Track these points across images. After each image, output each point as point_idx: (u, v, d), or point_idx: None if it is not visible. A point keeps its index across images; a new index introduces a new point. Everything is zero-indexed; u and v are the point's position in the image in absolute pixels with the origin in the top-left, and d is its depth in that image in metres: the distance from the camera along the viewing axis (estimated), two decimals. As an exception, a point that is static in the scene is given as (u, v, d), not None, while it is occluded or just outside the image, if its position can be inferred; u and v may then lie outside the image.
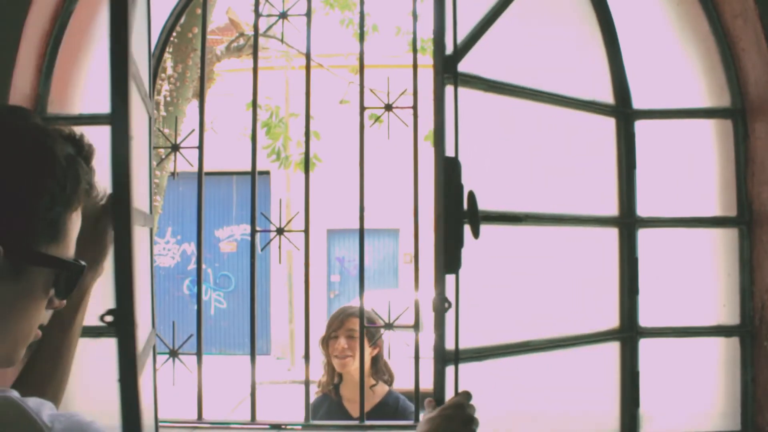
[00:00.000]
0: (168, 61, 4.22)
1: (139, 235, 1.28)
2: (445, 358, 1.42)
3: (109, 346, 1.14)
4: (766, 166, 1.82)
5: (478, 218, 1.38)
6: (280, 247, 2.20)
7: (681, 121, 1.93)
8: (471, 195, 1.39)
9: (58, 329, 1.05)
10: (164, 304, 11.37)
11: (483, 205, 1.46)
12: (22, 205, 0.70)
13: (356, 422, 2.13)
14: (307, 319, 2.18)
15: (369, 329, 2.26)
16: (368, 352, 2.40)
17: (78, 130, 0.78)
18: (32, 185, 0.70)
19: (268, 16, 2.23)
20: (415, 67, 2.13)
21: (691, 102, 1.94)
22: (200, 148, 2.11)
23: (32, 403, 0.65)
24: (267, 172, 10.58)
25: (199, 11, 3.95)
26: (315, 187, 2.17)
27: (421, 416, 1.30)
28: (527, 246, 1.77)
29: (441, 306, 1.39)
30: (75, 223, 0.77)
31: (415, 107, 2.14)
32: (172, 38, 2.82)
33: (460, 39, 1.50)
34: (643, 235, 1.88)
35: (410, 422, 2.17)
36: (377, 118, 2.27)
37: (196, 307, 2.17)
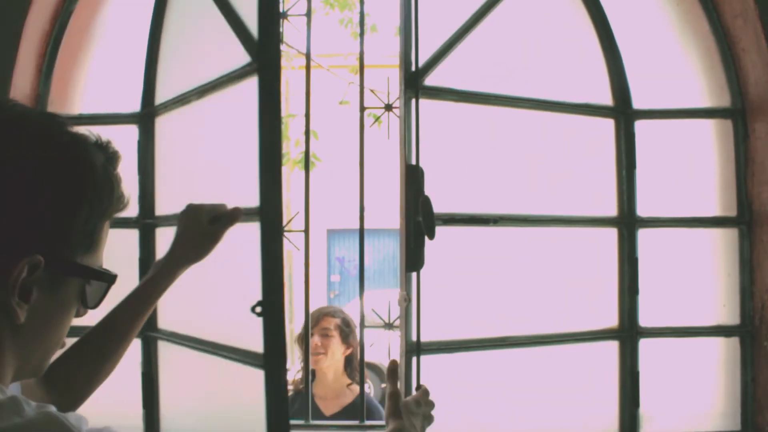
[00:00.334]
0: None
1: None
2: (409, 349, 1.57)
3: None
4: (766, 166, 1.82)
5: (432, 221, 1.49)
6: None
7: (681, 121, 1.93)
8: (425, 200, 1.50)
9: (127, 316, 1.18)
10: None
11: (459, 208, 1.63)
12: (63, 216, 0.70)
13: (356, 422, 2.14)
14: (307, 319, 2.19)
15: (342, 329, 2.30)
16: (341, 351, 2.45)
17: (105, 135, 0.78)
18: (73, 196, 0.70)
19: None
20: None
21: (691, 102, 1.94)
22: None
23: (73, 419, 0.65)
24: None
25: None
26: (315, 187, 2.17)
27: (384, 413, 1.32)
28: (513, 247, 1.79)
29: (403, 302, 1.56)
30: (107, 232, 0.77)
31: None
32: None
33: (430, 54, 1.67)
34: (643, 235, 1.88)
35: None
36: (377, 118, 2.27)
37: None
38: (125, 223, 1.86)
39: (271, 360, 1.36)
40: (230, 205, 1.33)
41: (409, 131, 1.56)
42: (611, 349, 1.87)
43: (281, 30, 2.24)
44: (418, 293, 1.54)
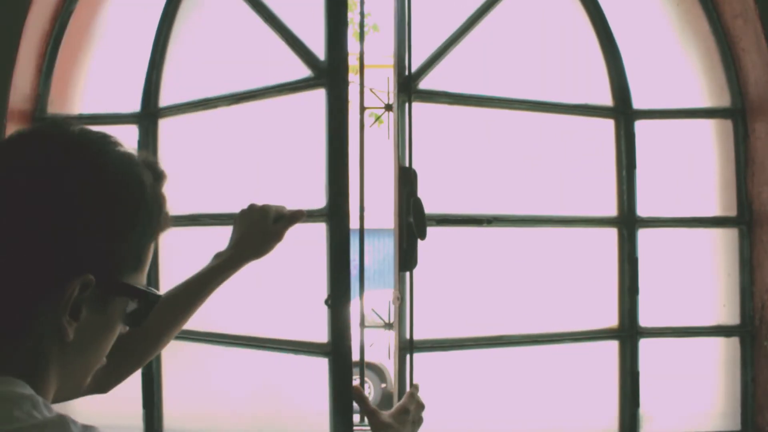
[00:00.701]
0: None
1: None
2: (402, 347, 1.62)
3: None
4: (766, 166, 1.82)
5: (423, 222, 1.54)
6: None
7: (681, 121, 1.93)
8: (416, 201, 1.54)
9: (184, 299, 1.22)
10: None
11: (456, 209, 1.68)
12: (115, 236, 0.70)
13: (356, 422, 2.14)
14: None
15: None
16: None
17: (152, 155, 0.78)
18: (126, 217, 0.71)
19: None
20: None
21: (691, 102, 1.94)
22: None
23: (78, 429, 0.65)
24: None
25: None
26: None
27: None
28: (513, 247, 1.80)
29: (396, 301, 1.61)
30: (152, 252, 0.77)
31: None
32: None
33: (424, 58, 1.72)
34: (643, 235, 1.88)
35: None
36: (377, 118, 2.27)
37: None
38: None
39: (338, 347, 1.49)
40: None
41: (402, 134, 1.61)
42: (611, 349, 1.87)
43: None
44: (411, 292, 1.58)
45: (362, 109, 2.16)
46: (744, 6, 1.82)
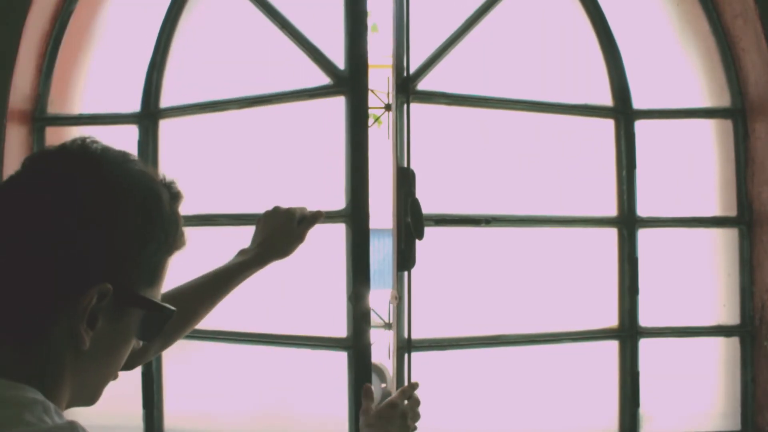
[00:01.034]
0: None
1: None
2: (400, 346, 1.65)
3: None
4: (766, 166, 1.82)
5: (421, 222, 1.57)
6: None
7: (681, 121, 1.93)
8: (413, 201, 1.57)
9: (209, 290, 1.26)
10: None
11: (455, 209, 1.70)
12: (133, 248, 0.73)
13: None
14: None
15: None
16: None
17: (168, 175, 0.81)
18: (144, 230, 0.74)
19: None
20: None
21: (691, 102, 1.94)
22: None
23: None
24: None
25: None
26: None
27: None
28: (514, 247, 1.81)
29: (394, 300, 1.65)
30: (167, 268, 0.80)
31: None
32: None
33: (424, 58, 1.74)
34: (643, 235, 1.88)
35: None
36: (377, 118, 2.27)
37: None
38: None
39: (358, 341, 1.59)
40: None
41: (401, 135, 1.63)
42: (611, 348, 1.87)
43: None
44: (409, 292, 1.61)
45: (362, 109, 2.16)
46: (744, 6, 1.82)
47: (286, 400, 1.77)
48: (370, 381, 1.57)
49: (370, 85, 1.66)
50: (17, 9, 1.81)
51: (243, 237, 1.45)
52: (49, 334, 0.70)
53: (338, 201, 1.64)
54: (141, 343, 0.80)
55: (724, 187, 1.91)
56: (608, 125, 1.90)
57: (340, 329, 1.65)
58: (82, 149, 0.73)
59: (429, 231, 1.67)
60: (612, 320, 1.87)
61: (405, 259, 1.59)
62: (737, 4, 1.85)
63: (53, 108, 1.94)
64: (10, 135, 1.81)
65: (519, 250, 1.82)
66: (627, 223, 1.88)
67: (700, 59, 1.96)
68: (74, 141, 0.74)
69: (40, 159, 0.76)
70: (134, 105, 1.91)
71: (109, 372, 0.78)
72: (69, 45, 1.95)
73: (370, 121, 2.25)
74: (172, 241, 0.78)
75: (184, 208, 0.82)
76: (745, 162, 1.89)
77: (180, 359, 1.84)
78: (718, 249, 1.91)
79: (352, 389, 1.60)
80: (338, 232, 1.64)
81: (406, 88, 1.67)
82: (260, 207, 1.58)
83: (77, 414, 0.75)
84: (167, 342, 1.23)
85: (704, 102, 1.95)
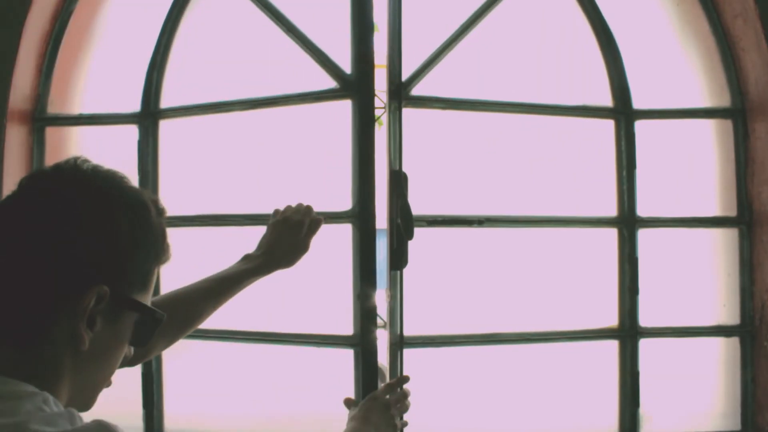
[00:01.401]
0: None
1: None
2: (393, 341, 1.69)
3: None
4: (766, 166, 1.82)
5: (410, 223, 1.61)
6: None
7: (681, 121, 1.93)
8: (404, 203, 1.61)
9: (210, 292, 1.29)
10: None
11: (452, 211, 1.73)
12: (127, 254, 0.78)
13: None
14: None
15: None
16: None
17: (153, 192, 0.86)
18: (136, 237, 0.79)
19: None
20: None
21: (691, 102, 1.94)
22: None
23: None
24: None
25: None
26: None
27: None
28: (514, 248, 1.81)
29: (388, 298, 1.69)
30: (155, 277, 0.86)
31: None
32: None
33: (419, 63, 1.76)
34: (643, 235, 1.88)
35: None
36: (377, 119, 2.27)
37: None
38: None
39: (365, 337, 1.64)
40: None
41: (395, 139, 1.66)
42: (611, 348, 1.87)
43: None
44: (401, 290, 1.64)
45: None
46: (744, 6, 1.82)
47: (288, 400, 1.77)
48: (376, 378, 1.60)
49: (372, 86, 1.68)
50: (17, 9, 1.81)
51: (248, 237, 1.47)
52: (49, 334, 0.73)
53: (340, 202, 1.66)
54: (132, 350, 0.84)
55: (724, 187, 1.91)
56: (608, 126, 1.90)
57: (344, 328, 1.67)
58: (75, 167, 0.78)
59: (427, 232, 1.69)
60: (612, 320, 1.87)
61: (397, 259, 1.63)
62: (737, 4, 1.85)
63: (53, 108, 1.94)
64: (10, 135, 1.81)
65: (520, 250, 1.82)
66: (627, 223, 1.88)
67: (700, 59, 1.96)
68: (67, 161, 0.79)
69: (38, 177, 0.81)
70: (134, 105, 1.91)
71: (104, 376, 0.81)
72: (69, 45, 1.95)
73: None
74: (160, 251, 0.83)
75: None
76: (745, 162, 1.89)
77: (180, 359, 1.84)
78: (718, 249, 1.91)
79: (360, 386, 1.63)
80: (343, 232, 1.66)
81: (398, 94, 1.69)
82: (263, 208, 1.61)
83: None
84: (169, 342, 1.25)
85: (704, 102, 1.95)
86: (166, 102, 1.90)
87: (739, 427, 1.87)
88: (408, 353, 1.69)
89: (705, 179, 1.93)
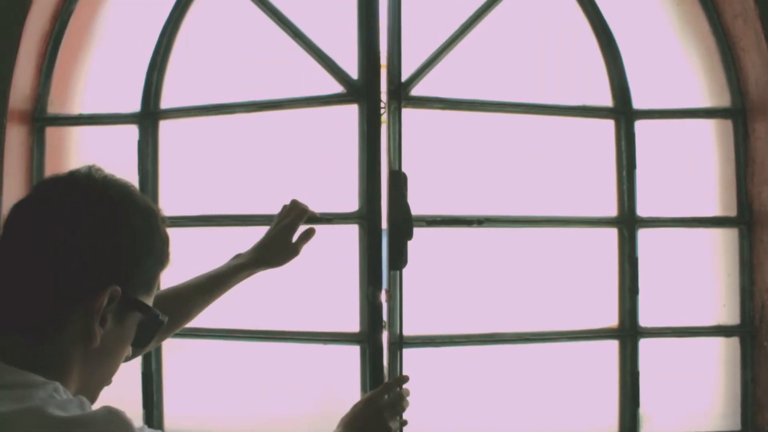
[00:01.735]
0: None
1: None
2: (392, 341, 1.70)
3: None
4: (766, 166, 1.82)
5: (410, 223, 1.62)
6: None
7: (681, 121, 1.93)
8: (403, 203, 1.63)
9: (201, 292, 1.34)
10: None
11: (452, 211, 1.74)
12: (136, 257, 0.83)
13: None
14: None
15: None
16: None
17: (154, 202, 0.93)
18: (145, 242, 0.85)
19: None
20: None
21: (691, 102, 1.94)
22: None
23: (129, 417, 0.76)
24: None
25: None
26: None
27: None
28: (515, 248, 1.82)
29: (389, 299, 1.69)
30: (158, 282, 0.90)
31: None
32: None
33: (419, 63, 1.77)
34: (643, 235, 1.88)
35: None
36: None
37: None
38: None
39: (373, 334, 1.67)
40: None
41: (394, 139, 1.67)
42: (611, 348, 1.87)
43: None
44: (400, 290, 1.66)
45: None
46: (744, 6, 1.83)
47: (289, 399, 1.77)
48: (382, 374, 1.63)
49: (375, 85, 1.70)
50: (17, 9, 1.81)
51: (248, 237, 1.48)
52: (64, 330, 0.78)
53: (344, 203, 1.68)
54: (131, 351, 0.88)
55: (724, 187, 1.91)
56: (608, 126, 1.90)
57: (350, 326, 1.70)
58: (88, 176, 0.84)
59: (426, 232, 1.70)
60: (612, 320, 1.87)
61: (397, 259, 1.64)
62: (737, 4, 1.85)
63: (53, 108, 1.94)
64: (10, 135, 1.81)
65: (520, 250, 1.82)
66: (627, 223, 1.88)
67: (700, 59, 1.96)
68: (80, 169, 0.85)
69: (53, 183, 0.85)
70: (134, 105, 1.91)
71: (108, 374, 0.86)
72: (69, 45, 1.95)
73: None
74: (164, 257, 0.88)
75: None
76: (745, 162, 1.89)
77: (180, 359, 1.84)
78: (718, 249, 1.91)
79: (368, 382, 1.65)
80: (349, 233, 1.69)
81: (398, 94, 1.70)
82: (266, 209, 1.62)
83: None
84: (159, 339, 1.30)
85: (704, 102, 1.95)
86: (166, 103, 1.90)
87: (739, 427, 1.87)
88: (407, 353, 1.70)
89: (705, 179, 1.93)
